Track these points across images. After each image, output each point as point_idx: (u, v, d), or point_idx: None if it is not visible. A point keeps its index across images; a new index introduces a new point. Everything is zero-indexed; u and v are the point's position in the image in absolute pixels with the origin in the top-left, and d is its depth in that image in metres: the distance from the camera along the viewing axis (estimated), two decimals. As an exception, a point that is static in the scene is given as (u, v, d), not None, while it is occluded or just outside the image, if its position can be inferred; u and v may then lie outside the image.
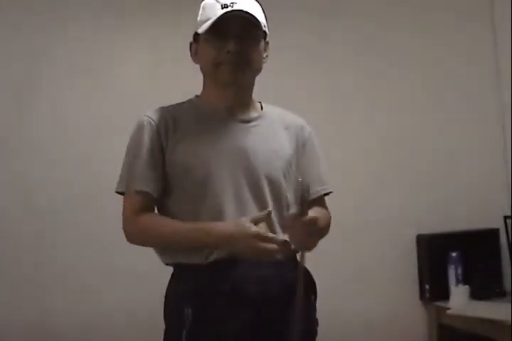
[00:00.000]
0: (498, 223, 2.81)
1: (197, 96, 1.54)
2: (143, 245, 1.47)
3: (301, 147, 1.55)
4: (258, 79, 1.51)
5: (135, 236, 1.43)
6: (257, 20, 1.39)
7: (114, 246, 2.43)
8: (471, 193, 2.91)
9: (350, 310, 2.66)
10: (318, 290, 1.51)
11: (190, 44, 1.50)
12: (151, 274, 2.44)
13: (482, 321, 2.43)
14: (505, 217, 2.78)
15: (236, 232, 1.31)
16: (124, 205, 1.44)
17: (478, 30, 3.01)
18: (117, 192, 1.46)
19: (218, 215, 1.38)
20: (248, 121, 1.49)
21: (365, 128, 2.82)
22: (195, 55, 1.48)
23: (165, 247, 1.43)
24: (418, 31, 2.94)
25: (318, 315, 1.50)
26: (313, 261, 1.51)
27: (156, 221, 1.42)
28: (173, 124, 1.43)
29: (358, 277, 2.70)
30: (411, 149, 2.89)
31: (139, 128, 1.45)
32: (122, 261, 2.39)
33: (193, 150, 1.41)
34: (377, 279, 2.76)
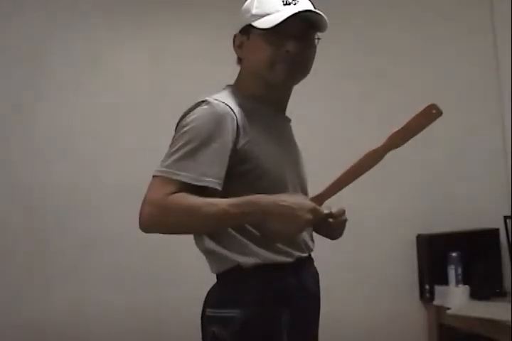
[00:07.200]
0: (498, 223, 2.81)
1: (231, 88, 1.40)
2: (159, 228, 1.22)
3: None
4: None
5: (156, 215, 1.18)
6: (326, 23, 1.33)
7: (115, 246, 2.44)
8: (471, 193, 2.91)
9: (350, 310, 2.66)
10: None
11: (235, 36, 1.40)
12: (152, 274, 2.46)
13: (482, 321, 2.43)
14: (505, 217, 2.77)
15: (294, 203, 1.21)
16: (153, 188, 1.21)
17: (479, 29, 3.02)
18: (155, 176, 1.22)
19: None
20: (290, 122, 1.50)
21: (365, 128, 2.81)
22: (239, 47, 1.40)
23: (183, 227, 1.22)
24: (418, 31, 2.94)
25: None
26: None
27: (188, 196, 1.19)
28: (245, 121, 1.31)
29: (358, 277, 2.70)
30: (411, 149, 2.87)
31: (220, 116, 1.26)
32: (123, 262, 2.39)
33: (267, 150, 1.33)
34: (377, 279, 2.76)
